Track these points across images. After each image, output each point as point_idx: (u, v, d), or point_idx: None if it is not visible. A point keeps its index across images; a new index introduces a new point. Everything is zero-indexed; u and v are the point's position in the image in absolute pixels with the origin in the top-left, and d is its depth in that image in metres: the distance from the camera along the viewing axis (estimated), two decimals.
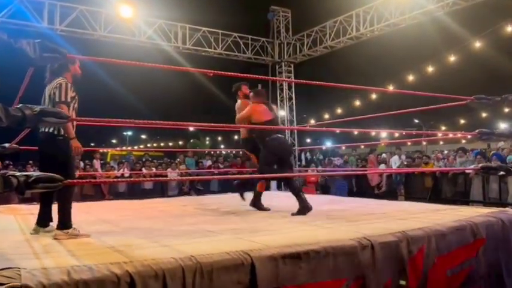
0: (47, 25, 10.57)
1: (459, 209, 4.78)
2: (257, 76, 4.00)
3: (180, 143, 45.21)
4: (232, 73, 3.33)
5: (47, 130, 3.41)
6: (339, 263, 2.86)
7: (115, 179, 9.25)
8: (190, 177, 12.17)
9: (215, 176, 10.29)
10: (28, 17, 10.36)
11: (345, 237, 3.10)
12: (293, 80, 15.26)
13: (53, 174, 2.26)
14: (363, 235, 3.15)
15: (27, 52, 2.21)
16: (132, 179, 8.57)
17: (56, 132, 3.42)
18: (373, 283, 3.00)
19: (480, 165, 4.58)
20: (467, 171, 8.49)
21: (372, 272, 3.00)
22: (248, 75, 3.48)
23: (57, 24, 10.73)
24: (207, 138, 46.41)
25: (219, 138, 46.26)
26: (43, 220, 3.53)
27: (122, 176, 10.73)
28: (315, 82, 4.11)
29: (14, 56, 2.19)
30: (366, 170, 10.81)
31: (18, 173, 2.17)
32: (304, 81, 4.29)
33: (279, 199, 6.78)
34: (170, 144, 46.51)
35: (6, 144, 5.82)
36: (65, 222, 3.34)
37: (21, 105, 2.24)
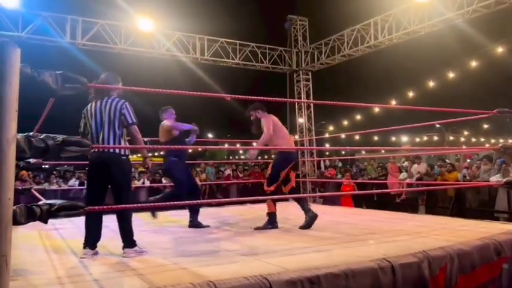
0: (69, 40, 10.82)
1: (482, 225, 4.68)
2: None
3: (199, 149, 45.52)
4: (250, 96, 3.35)
5: (111, 150, 3.57)
6: (359, 286, 2.84)
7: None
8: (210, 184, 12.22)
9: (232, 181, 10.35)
10: (51, 32, 10.63)
11: (364, 258, 3.07)
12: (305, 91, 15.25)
13: (75, 202, 2.31)
14: (382, 256, 3.12)
15: (49, 84, 2.27)
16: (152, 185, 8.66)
17: (122, 152, 3.59)
18: None
19: (504, 180, 4.47)
20: (490, 181, 8.29)
21: None
22: (266, 98, 3.49)
23: (79, 39, 10.97)
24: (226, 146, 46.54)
25: (237, 146, 46.31)
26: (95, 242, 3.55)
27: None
28: (322, 102, 4.07)
29: (36, 88, 2.25)
30: (382, 180, 10.66)
31: (41, 202, 2.23)
32: (310, 101, 4.25)
33: (297, 211, 6.74)
34: (190, 151, 46.86)
35: (32, 160, 5.97)
36: (131, 241, 3.50)
37: (44, 135, 2.30)
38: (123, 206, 3.18)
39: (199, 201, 5.29)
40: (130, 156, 3.74)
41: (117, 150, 3.57)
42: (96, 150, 3.57)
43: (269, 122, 5.10)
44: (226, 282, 2.48)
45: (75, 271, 2.87)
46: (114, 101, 3.63)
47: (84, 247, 3.46)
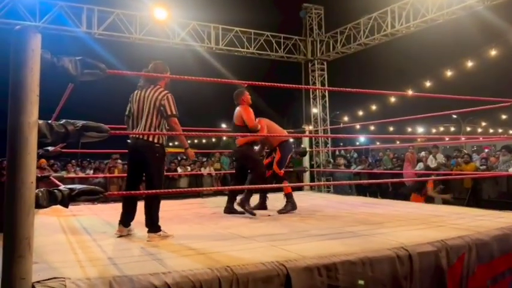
0: (85, 29, 10.91)
1: (501, 215, 4.61)
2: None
3: (213, 140, 45.70)
4: (266, 83, 3.34)
5: (145, 138, 3.65)
6: (376, 274, 2.83)
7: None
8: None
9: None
10: (67, 22, 10.72)
11: (382, 246, 3.05)
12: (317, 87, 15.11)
13: (95, 187, 2.35)
14: (400, 244, 3.10)
15: (69, 70, 2.29)
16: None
17: (155, 140, 3.66)
18: None
19: None
20: (510, 172, 8.16)
21: (409, 283, 2.94)
22: (281, 85, 3.49)
23: (95, 28, 11.05)
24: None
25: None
26: (128, 220, 3.74)
27: None
28: (331, 88, 4.04)
29: (55, 74, 2.27)
30: (398, 171, 10.54)
31: (61, 187, 2.26)
32: (325, 87, 4.23)
33: (312, 200, 6.75)
34: (204, 141, 47.14)
35: (50, 148, 6.06)
36: (155, 226, 3.59)
37: (64, 120, 2.33)
38: (142, 192, 3.22)
39: (213, 188, 5.31)
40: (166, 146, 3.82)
41: (150, 138, 3.64)
42: (135, 137, 3.71)
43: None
44: (244, 267, 2.49)
45: (94, 255, 2.92)
46: (158, 91, 3.71)
47: (119, 224, 3.71)
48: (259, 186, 4.99)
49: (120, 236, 3.63)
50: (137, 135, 3.67)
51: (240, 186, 5.28)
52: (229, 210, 5.23)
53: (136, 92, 3.84)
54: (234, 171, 5.75)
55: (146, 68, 3.90)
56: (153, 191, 3.42)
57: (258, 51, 13.50)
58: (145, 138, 3.66)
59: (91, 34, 11.09)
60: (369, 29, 12.42)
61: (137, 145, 3.69)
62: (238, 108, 5.27)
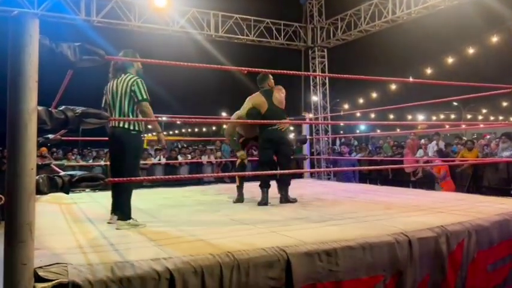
0: (84, 17, 10.81)
1: (501, 201, 4.63)
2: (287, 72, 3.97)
3: (214, 128, 45.71)
4: (265, 69, 3.32)
5: (121, 125, 3.64)
6: (376, 260, 2.84)
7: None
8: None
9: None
10: (66, 9, 10.62)
11: (382, 232, 3.06)
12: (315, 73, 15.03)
13: (95, 174, 2.35)
14: (400, 230, 3.11)
15: (68, 56, 2.28)
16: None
17: (131, 127, 3.66)
18: (411, 279, 2.97)
19: None
20: (503, 156, 8.17)
21: (409, 269, 2.96)
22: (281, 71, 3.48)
23: (94, 16, 10.95)
24: None
25: None
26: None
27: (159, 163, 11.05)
28: (331, 75, 4.02)
29: (54, 60, 2.25)
30: (395, 159, 10.54)
31: (62, 173, 2.27)
32: (325, 74, 4.21)
33: (312, 187, 6.77)
34: (204, 129, 47.15)
35: (50, 135, 6.07)
36: (126, 213, 3.58)
37: (63, 107, 2.33)
38: (144, 178, 3.22)
39: (214, 174, 5.31)
40: (146, 134, 3.81)
41: (126, 125, 3.64)
42: (112, 125, 3.69)
43: None
44: (245, 253, 2.51)
45: (96, 241, 2.93)
46: (127, 77, 3.71)
47: (111, 213, 3.72)
48: (264, 172, 4.98)
49: (109, 223, 3.66)
50: (114, 124, 3.66)
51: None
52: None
53: (109, 83, 3.83)
54: (272, 155, 5.35)
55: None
56: (154, 177, 3.43)
57: (258, 39, 13.39)
58: (120, 125, 3.65)
59: (90, 22, 11.00)
60: (369, 16, 12.30)
61: (114, 133, 3.69)
62: (280, 92, 5.15)
